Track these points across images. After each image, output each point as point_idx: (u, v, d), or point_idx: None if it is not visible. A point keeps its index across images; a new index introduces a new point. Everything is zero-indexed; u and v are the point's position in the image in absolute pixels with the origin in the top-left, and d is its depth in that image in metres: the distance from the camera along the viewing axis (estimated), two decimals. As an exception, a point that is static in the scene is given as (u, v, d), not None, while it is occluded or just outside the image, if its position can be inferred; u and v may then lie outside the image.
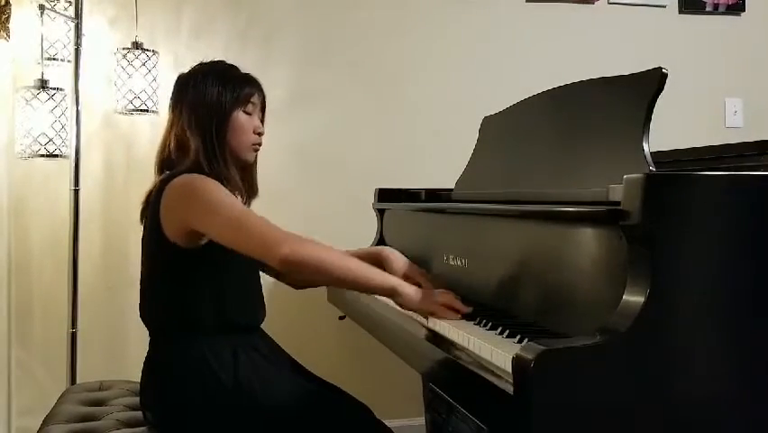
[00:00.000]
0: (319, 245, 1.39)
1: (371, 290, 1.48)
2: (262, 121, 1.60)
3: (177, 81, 1.56)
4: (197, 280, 1.44)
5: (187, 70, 1.57)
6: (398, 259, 1.65)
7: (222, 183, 1.46)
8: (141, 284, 1.54)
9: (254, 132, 1.55)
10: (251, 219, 1.37)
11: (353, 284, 1.45)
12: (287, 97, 2.61)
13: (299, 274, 1.62)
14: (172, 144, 1.52)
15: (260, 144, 1.58)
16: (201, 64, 1.57)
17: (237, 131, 1.51)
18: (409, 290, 1.41)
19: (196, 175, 1.44)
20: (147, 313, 1.52)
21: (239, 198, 1.52)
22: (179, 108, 1.52)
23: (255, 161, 1.62)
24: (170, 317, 1.47)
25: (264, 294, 1.62)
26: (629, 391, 0.95)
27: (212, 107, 1.49)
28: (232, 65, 1.58)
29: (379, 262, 1.62)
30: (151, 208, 1.47)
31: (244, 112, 1.53)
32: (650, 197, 0.97)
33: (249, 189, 1.61)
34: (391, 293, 1.42)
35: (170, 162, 1.53)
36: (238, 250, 1.37)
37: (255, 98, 1.55)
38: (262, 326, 1.60)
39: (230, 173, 1.49)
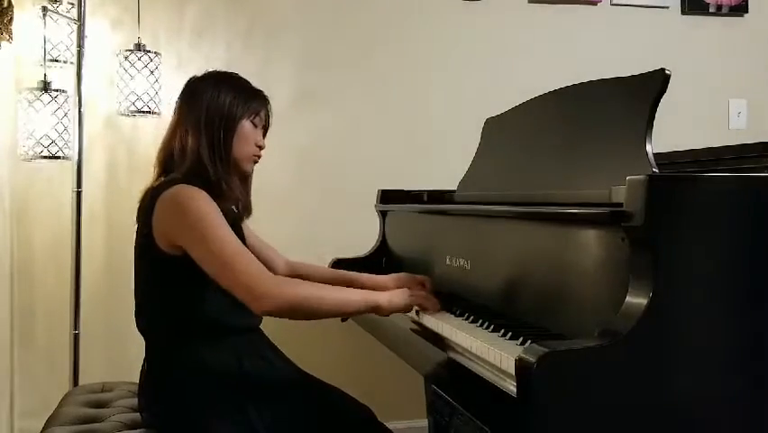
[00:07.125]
0: (297, 286, 1.38)
1: (354, 311, 1.47)
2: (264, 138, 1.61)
3: (189, 83, 1.56)
4: (192, 286, 1.42)
5: (199, 74, 1.58)
6: (379, 276, 1.69)
7: (222, 188, 1.46)
8: (135, 294, 1.52)
9: (256, 144, 1.56)
10: (236, 259, 1.34)
11: (337, 312, 1.45)
12: (289, 98, 2.61)
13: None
14: (176, 144, 1.52)
15: (259, 157, 1.59)
16: (216, 71, 1.59)
17: (241, 139, 1.52)
18: (386, 298, 1.44)
19: (186, 190, 1.40)
20: (145, 321, 1.51)
21: (233, 207, 1.52)
22: (188, 109, 1.52)
23: (250, 179, 1.63)
24: (169, 323, 1.47)
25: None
26: (632, 393, 0.95)
27: (223, 112, 1.50)
28: (245, 78, 1.60)
29: (354, 282, 1.66)
30: (143, 216, 1.45)
31: (251, 122, 1.54)
32: (652, 198, 0.97)
33: (242, 208, 1.60)
34: (373, 309, 1.43)
35: (171, 162, 1.52)
36: (220, 284, 1.36)
37: (263, 113, 1.58)
38: (263, 327, 1.60)
39: (230, 177, 1.50)
